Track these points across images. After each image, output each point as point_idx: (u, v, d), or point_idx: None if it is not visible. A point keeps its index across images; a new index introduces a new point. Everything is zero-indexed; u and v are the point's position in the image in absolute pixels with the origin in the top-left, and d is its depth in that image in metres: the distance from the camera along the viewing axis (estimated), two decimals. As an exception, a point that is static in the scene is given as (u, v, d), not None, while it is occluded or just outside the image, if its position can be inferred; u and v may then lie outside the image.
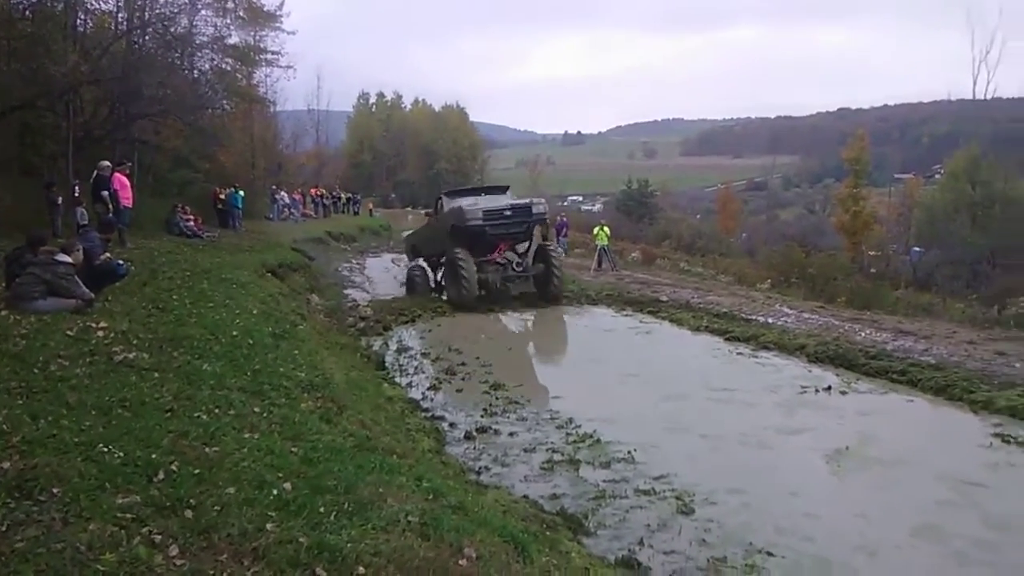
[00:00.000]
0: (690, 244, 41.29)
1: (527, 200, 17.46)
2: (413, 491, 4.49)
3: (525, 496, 6.93)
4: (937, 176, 50.70)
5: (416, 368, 11.41)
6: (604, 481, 7.32)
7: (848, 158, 42.15)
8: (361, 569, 3.32)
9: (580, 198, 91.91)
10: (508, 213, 16.15)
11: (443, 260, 16.84)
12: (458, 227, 16.09)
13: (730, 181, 68.72)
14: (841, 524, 6.56)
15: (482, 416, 9.19)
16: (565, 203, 72.17)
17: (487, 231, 15.85)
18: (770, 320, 15.31)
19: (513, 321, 15.59)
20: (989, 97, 59.68)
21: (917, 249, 38.45)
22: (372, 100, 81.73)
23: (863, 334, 13.80)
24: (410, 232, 20.72)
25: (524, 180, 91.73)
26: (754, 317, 15.60)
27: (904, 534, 6.42)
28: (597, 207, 74.58)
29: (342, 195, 45.92)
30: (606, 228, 25.28)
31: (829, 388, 10.39)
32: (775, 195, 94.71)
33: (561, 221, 29.31)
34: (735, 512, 6.82)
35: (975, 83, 48.69)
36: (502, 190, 19.19)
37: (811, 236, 43.90)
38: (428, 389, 10.30)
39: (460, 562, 3.59)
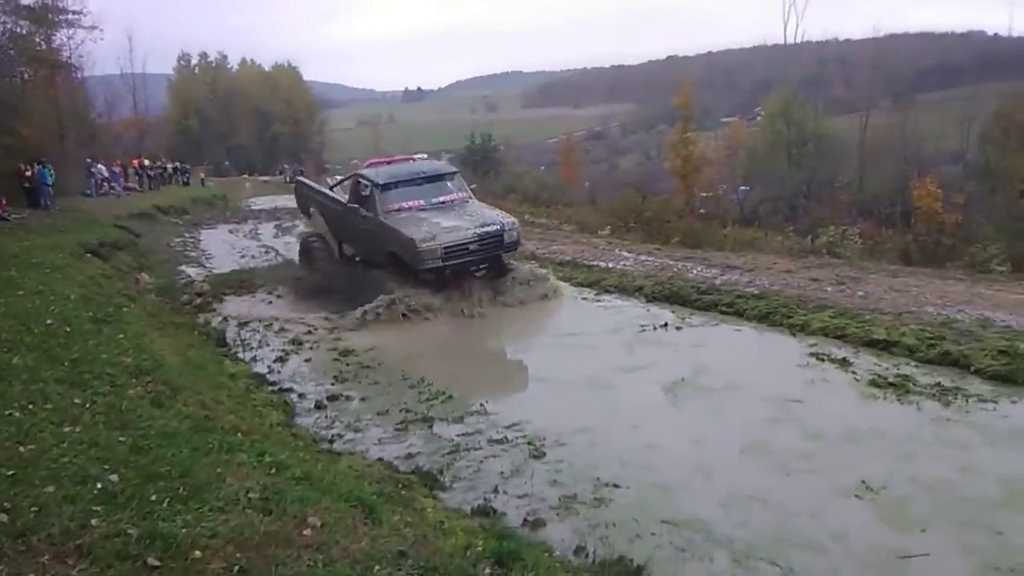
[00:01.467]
0: (535, 196, 41.99)
1: (497, 224, 12.56)
2: (254, 467, 4.37)
3: (380, 459, 6.92)
4: (758, 118, 53.95)
5: (260, 341, 11.01)
6: (458, 435, 7.44)
7: (677, 105, 44.06)
8: (197, 553, 3.21)
9: (425, 155, 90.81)
10: (473, 247, 12.12)
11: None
12: (403, 261, 12.20)
13: (571, 132, 70.09)
14: (679, 450, 7.03)
15: (333, 384, 9.06)
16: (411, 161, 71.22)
17: (445, 272, 12.06)
18: (611, 265, 15.91)
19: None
20: (799, 41, 63.96)
21: (743, 188, 41.11)
22: (194, 61, 76.42)
23: (695, 271, 14.63)
24: (310, 193, 15.55)
25: (366, 140, 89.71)
26: (596, 263, 16.16)
27: (735, 453, 6.97)
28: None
29: (168, 165, 43.05)
30: (449, 184, 25.18)
31: (666, 325, 11.02)
32: (614, 143, 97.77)
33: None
34: (583, 451, 7.13)
35: (785, 29, 51.94)
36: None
37: (649, 182, 45.72)
38: (274, 361, 9.98)
39: (304, 532, 3.54)
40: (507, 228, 12.52)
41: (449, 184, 13.48)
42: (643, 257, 16.78)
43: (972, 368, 9.00)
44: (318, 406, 8.26)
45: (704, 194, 40.35)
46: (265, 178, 52.45)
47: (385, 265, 12.45)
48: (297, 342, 10.82)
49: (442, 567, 3.55)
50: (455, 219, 12.44)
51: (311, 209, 15.32)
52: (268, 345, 10.80)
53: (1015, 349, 9.21)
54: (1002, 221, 23.33)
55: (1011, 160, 31.70)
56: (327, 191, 15.05)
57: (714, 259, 15.79)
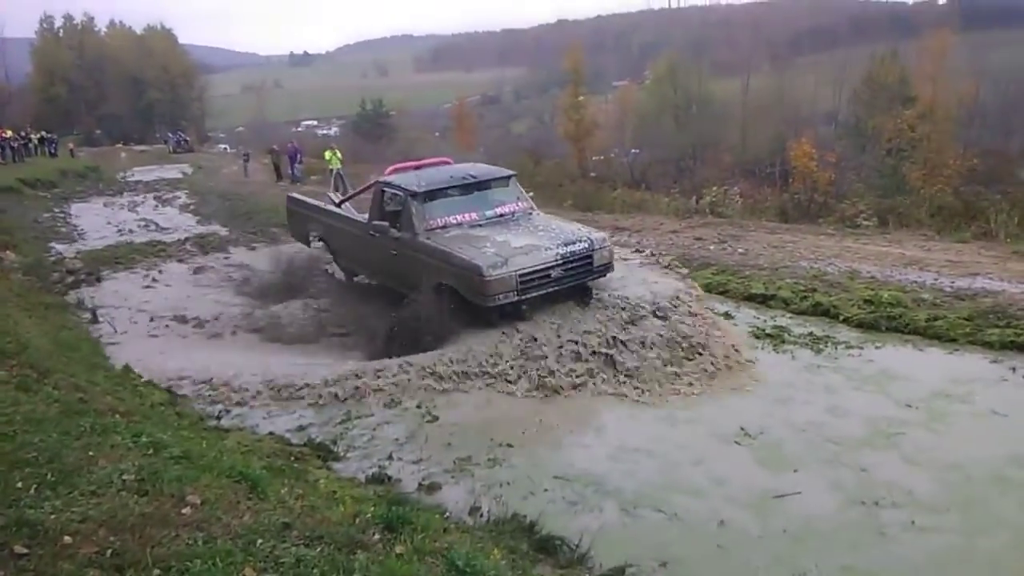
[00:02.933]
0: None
1: (584, 241, 9.19)
2: (130, 449, 4.20)
3: (270, 433, 6.81)
4: (647, 82, 55.00)
5: (135, 312, 10.56)
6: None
7: (567, 69, 44.40)
8: (68, 538, 3.07)
9: (315, 122, 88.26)
10: (557, 273, 8.90)
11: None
12: (458, 295, 8.89)
13: (464, 97, 69.40)
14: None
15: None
16: (299, 128, 68.96)
17: (522, 307, 8.85)
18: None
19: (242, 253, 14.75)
20: (684, 5, 65.18)
21: (634, 151, 41.99)
22: (58, 24, 71.27)
23: (586, 234, 14.89)
24: (305, 208, 12.31)
25: (250, 106, 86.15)
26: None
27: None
28: (333, 131, 72.18)
29: (34, 136, 40.12)
30: (338, 152, 24.60)
31: (558, 289, 11.10)
32: (508, 108, 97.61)
33: (293, 147, 28.08)
34: (476, 413, 7.26)
35: (670, -8, 52.90)
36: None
37: (543, 146, 46.00)
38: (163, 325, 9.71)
39: (183, 511, 3.44)
40: (597, 246, 9.27)
41: (506, 191, 10.42)
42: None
43: (841, 317, 9.67)
44: (204, 381, 8.02)
45: (596, 157, 41.00)
46: (142, 148, 49.56)
47: (428, 301, 8.85)
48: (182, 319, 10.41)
49: (328, 536, 3.54)
50: (526, 236, 9.34)
51: (312, 235, 11.90)
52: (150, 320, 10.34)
53: (878, 298, 9.91)
54: (870, 178, 24.81)
55: (878, 120, 33.69)
56: (333, 208, 11.65)
57: (603, 221, 16.09)
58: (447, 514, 5.03)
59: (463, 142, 52.71)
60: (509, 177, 10.60)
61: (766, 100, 43.26)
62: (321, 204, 12.04)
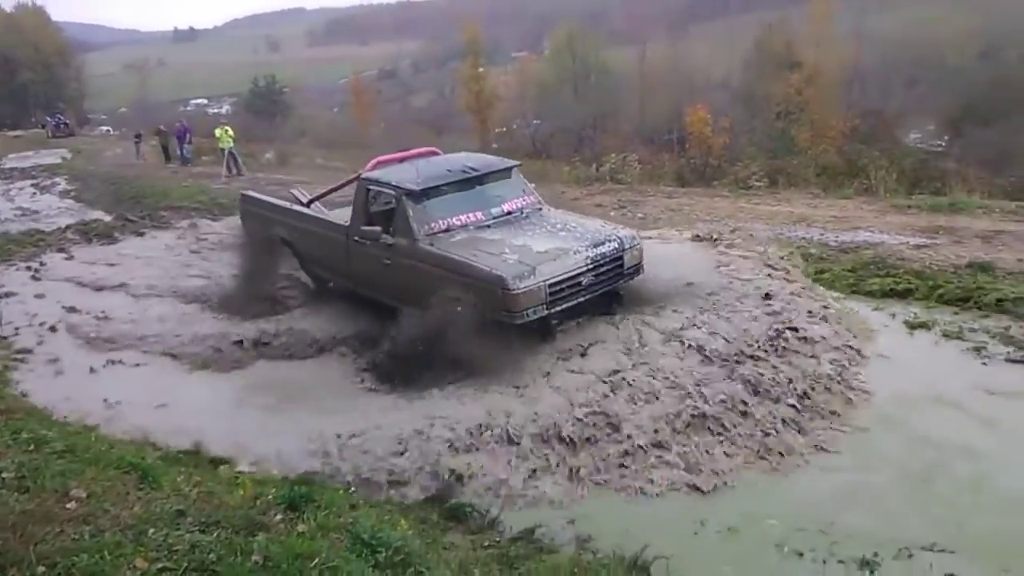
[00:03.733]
0: (329, 139, 40.63)
1: (614, 240, 8.17)
2: (8, 446, 3.98)
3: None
4: (546, 52, 55.13)
5: (22, 312, 9.94)
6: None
7: (465, 40, 44.04)
8: (-59, 544, 2.89)
9: (204, 101, 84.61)
10: (587, 279, 7.83)
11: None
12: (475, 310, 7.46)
13: (361, 71, 67.86)
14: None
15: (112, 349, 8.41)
16: (187, 108, 65.99)
17: (552, 323, 7.83)
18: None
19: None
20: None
21: (535, 122, 42.18)
22: (-86, 2, 65.84)
23: (490, 205, 14.89)
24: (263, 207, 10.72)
25: (133, 86, 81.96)
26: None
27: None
28: (225, 109, 69.43)
29: None
30: (229, 130, 23.64)
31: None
32: (407, 82, 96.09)
33: (182, 127, 26.86)
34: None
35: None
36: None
37: (444, 119, 45.69)
38: (46, 329, 9.13)
39: (68, 506, 3.29)
40: (628, 245, 8.26)
41: (510, 184, 9.16)
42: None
43: (734, 274, 10.02)
44: (92, 371, 7.68)
45: (499, 129, 40.98)
46: (16, 133, 46.38)
47: (435, 319, 7.45)
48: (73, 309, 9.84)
49: (226, 520, 3.45)
50: (547, 237, 8.17)
51: (275, 241, 10.21)
52: (34, 315, 9.74)
53: (769, 254, 10.33)
54: (762, 141, 25.73)
55: (768, 85, 34.89)
56: (301, 209, 10.07)
57: (506, 192, 16.11)
58: (352, 490, 4.98)
59: (361, 117, 51.75)
60: (511, 168, 9.26)
61: (662, 69, 44.11)
62: (285, 204, 10.35)
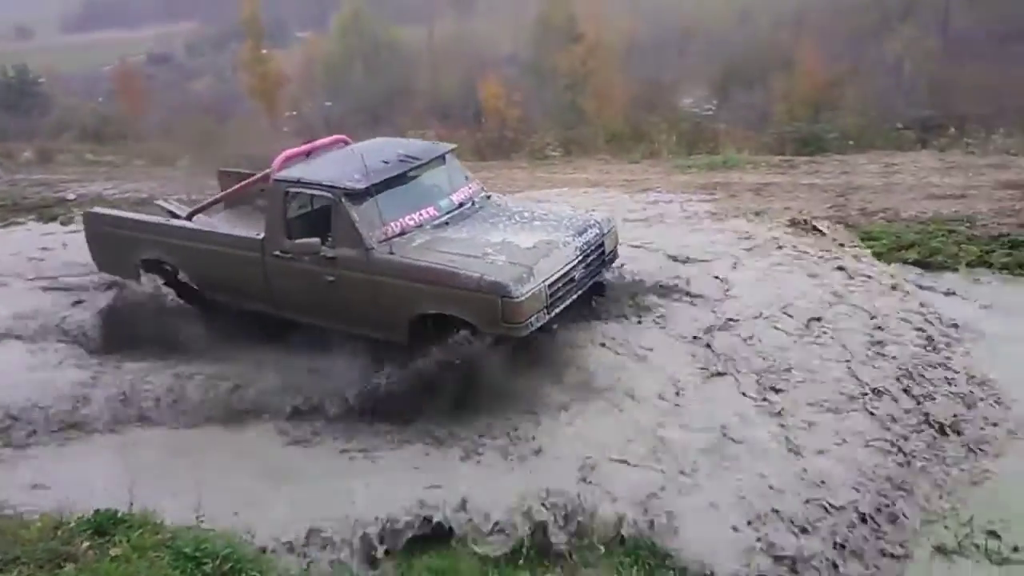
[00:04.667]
0: (97, 132, 37.01)
1: (593, 226, 7.55)
2: None
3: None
4: (332, 31, 53.35)
5: None
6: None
7: (244, 20, 41.59)
8: None
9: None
10: (579, 273, 7.25)
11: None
12: (459, 325, 6.70)
13: (128, 56, 62.25)
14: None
15: None
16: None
17: (553, 328, 7.25)
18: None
19: None
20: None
21: (327, 103, 40.80)
22: None
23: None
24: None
25: None
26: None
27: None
28: (-30, 104, 61.25)
29: None
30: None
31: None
32: (182, 66, 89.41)
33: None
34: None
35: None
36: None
37: (227, 104, 42.95)
38: None
39: None
40: (606, 229, 7.68)
41: (449, 171, 8.12)
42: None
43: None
44: None
45: (289, 113, 39.28)
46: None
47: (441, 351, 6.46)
48: None
49: (26, 554, 3.07)
50: (523, 230, 7.25)
51: (142, 264, 8.55)
52: None
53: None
54: (554, 112, 26.58)
55: (554, 57, 35.99)
56: (183, 224, 8.54)
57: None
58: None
59: (131, 106, 47.61)
60: (447, 152, 8.21)
61: (452, 44, 44.22)
62: (159, 220, 8.71)
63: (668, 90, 30.11)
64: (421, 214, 7.46)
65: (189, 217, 8.69)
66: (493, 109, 24.16)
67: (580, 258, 7.20)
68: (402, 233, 7.23)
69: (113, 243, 8.95)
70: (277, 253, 7.49)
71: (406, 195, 7.44)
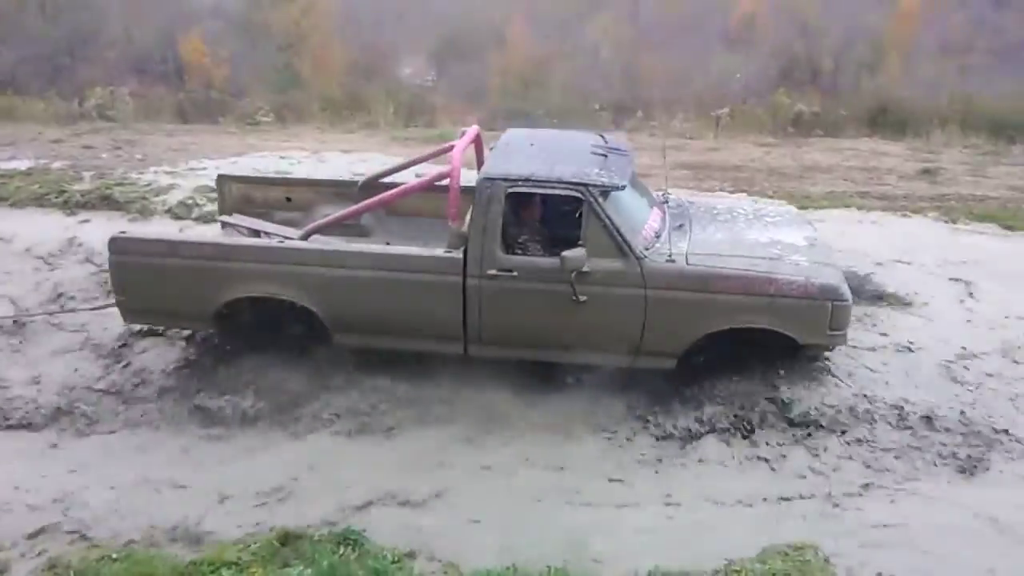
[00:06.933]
0: None
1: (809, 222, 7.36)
2: None
3: None
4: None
5: None
6: None
7: None
8: None
9: None
10: None
11: None
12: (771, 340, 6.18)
13: None
14: None
15: None
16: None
17: None
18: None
19: None
20: None
21: (-7, 48, 35.03)
22: None
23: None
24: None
25: None
26: None
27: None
28: None
29: None
30: None
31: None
32: None
33: None
34: None
35: None
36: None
37: None
38: None
39: None
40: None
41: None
42: None
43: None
44: None
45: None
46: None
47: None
48: None
49: None
50: (763, 225, 6.82)
51: (227, 309, 6.48)
52: None
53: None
54: (266, 74, 25.17)
55: (266, 14, 34.01)
56: (322, 247, 6.56)
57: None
58: None
59: None
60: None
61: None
62: (265, 243, 6.64)
63: (387, 58, 29.88)
64: (655, 216, 6.51)
65: (305, 237, 6.71)
66: (196, 66, 22.28)
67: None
68: (656, 237, 6.24)
69: (171, 280, 6.52)
70: (492, 273, 6.03)
71: (636, 195, 6.52)
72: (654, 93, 19.05)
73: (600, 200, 5.85)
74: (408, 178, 7.54)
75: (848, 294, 6.06)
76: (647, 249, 6.00)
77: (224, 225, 7.55)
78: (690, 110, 17.66)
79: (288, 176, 9.18)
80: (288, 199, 7.60)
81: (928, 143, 15.06)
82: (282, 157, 12.10)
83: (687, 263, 5.94)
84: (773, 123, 16.53)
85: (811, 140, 15.42)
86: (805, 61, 20.93)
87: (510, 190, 5.98)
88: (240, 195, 7.63)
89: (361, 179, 7.76)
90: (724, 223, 6.78)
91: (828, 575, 4.81)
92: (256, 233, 7.17)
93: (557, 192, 6.00)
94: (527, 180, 6.03)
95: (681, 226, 6.50)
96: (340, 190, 7.60)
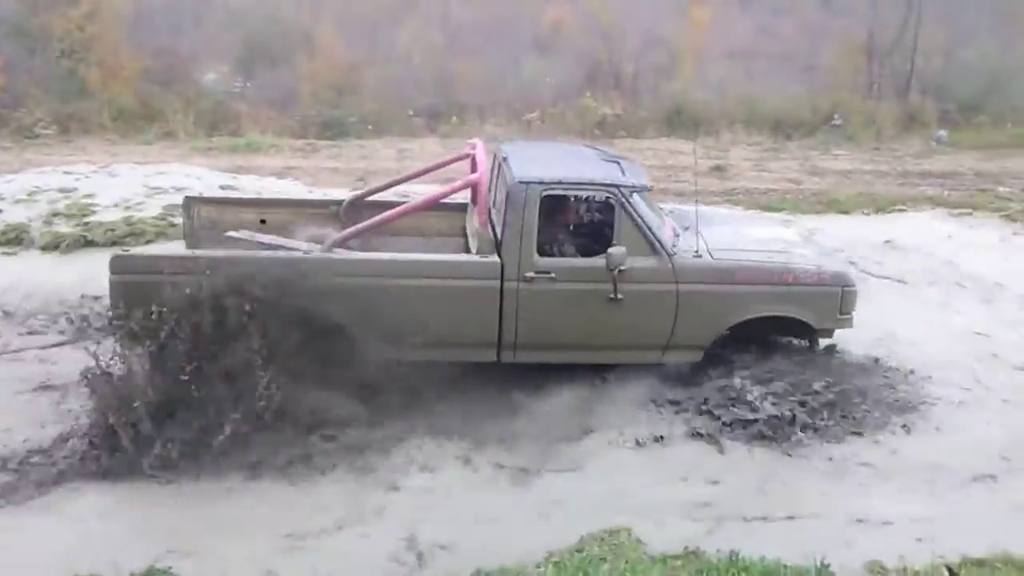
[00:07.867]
0: None
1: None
2: None
3: None
4: None
5: None
6: None
7: None
8: None
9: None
10: None
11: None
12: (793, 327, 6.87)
13: None
14: None
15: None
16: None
17: None
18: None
19: None
20: None
21: None
22: None
23: None
24: None
25: None
26: None
27: None
28: None
29: None
30: None
31: None
32: None
33: None
34: None
35: None
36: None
37: None
38: None
39: None
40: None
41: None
42: None
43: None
44: None
45: None
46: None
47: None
48: None
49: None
50: (754, 223, 8.44)
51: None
52: None
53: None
54: (47, 82, 22.94)
55: (44, 19, 31.06)
56: (354, 256, 6.23)
57: None
58: None
59: None
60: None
61: None
62: (291, 255, 6.14)
63: (186, 63, 28.16)
64: (666, 217, 6.94)
65: (331, 249, 6.33)
66: (-38, 76, 19.97)
67: None
68: (676, 236, 6.68)
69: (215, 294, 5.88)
70: (530, 275, 6.13)
71: (649, 200, 6.75)
72: (467, 98, 19.28)
73: (631, 200, 6.27)
74: (400, 194, 7.98)
75: (854, 280, 6.79)
76: (674, 247, 6.44)
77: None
78: (502, 114, 18.05)
79: (262, 197, 8.48)
80: (263, 221, 7.22)
81: (718, 141, 16.33)
82: (67, 172, 11.13)
83: (712, 258, 6.46)
84: (581, 125, 17.29)
85: (615, 141, 16.25)
86: (608, 66, 21.94)
87: (545, 193, 6.19)
88: (209, 218, 7.12)
89: (346, 198, 7.68)
90: (724, 224, 7.38)
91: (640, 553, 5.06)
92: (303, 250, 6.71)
93: (590, 194, 6.37)
94: (560, 183, 6.30)
95: (688, 227, 6.87)
96: (318, 210, 7.51)
